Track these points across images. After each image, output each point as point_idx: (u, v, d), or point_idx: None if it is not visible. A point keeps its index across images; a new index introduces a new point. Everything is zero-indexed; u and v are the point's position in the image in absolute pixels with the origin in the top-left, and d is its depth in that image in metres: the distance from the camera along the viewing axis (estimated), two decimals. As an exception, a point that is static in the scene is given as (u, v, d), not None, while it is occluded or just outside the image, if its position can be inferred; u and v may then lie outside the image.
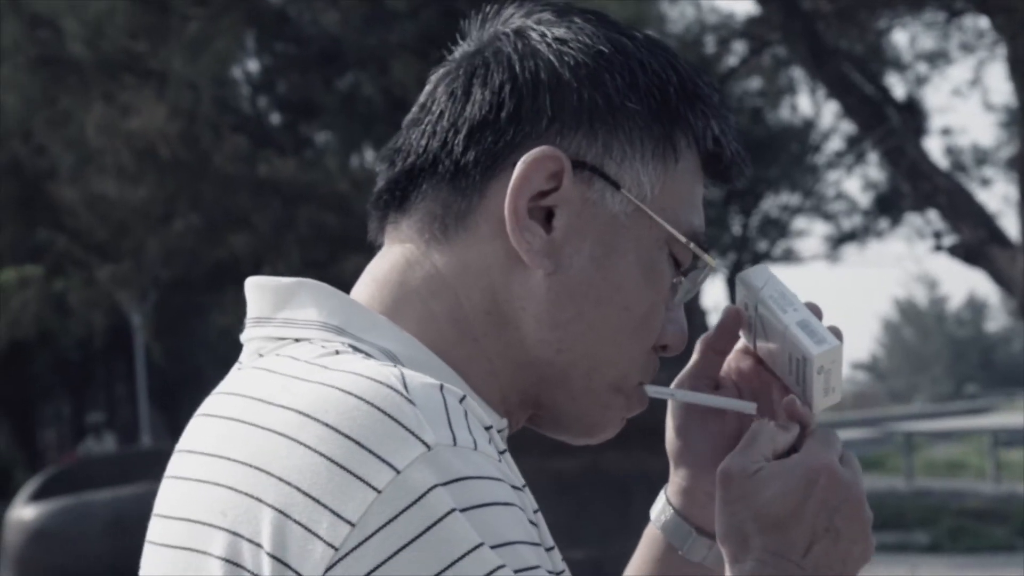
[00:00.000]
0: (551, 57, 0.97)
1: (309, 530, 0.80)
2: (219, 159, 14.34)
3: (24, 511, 13.22)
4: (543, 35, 0.98)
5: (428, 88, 1.01)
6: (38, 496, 13.48)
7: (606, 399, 1.00)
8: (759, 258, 22.38)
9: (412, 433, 0.81)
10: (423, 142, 0.98)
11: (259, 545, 0.81)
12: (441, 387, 0.85)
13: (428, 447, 0.80)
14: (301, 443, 0.82)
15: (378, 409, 0.81)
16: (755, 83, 20.10)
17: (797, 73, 18.84)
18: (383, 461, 0.80)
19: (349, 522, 0.79)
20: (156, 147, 13.82)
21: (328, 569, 0.79)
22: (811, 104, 24.97)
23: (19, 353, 20.94)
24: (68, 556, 11.14)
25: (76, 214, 15.79)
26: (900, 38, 40.94)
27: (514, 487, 0.85)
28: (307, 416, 0.83)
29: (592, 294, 0.96)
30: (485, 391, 0.96)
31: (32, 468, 19.74)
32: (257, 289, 0.98)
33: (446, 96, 0.98)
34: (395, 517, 0.79)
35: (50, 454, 27.94)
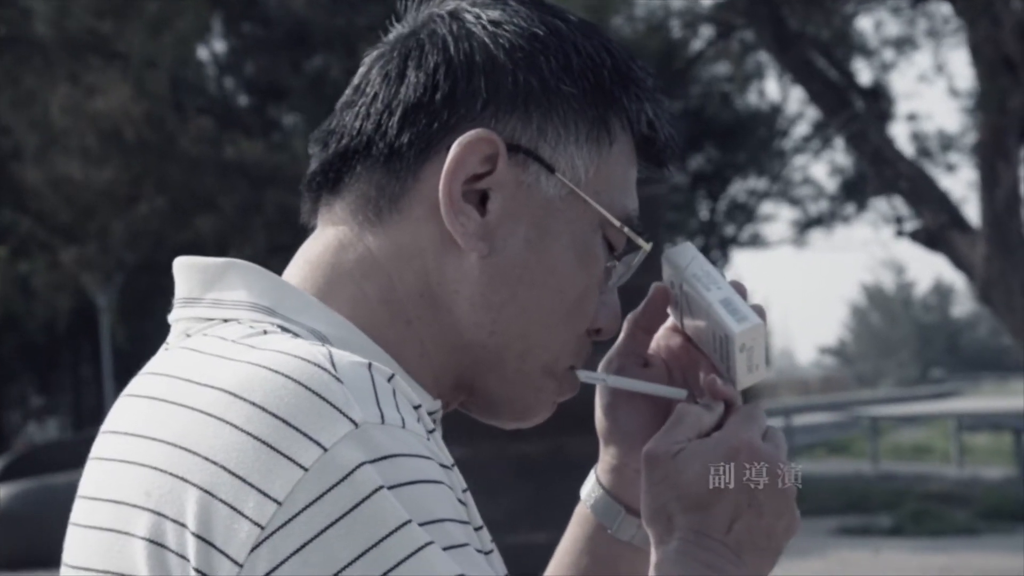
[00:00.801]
0: (486, 39, 0.96)
1: (235, 509, 0.79)
2: (185, 141, 14.27)
3: (-12, 494, 13.16)
4: (478, 17, 0.97)
5: (362, 70, 1.00)
6: (2, 478, 13.42)
7: (538, 382, 0.99)
8: (726, 243, 22.48)
9: (339, 411, 0.80)
10: (357, 124, 0.97)
11: (183, 525, 0.80)
12: (369, 366, 0.84)
13: (355, 424, 0.80)
14: (227, 422, 0.81)
15: (305, 387, 0.81)
16: (722, 68, 20.14)
17: (764, 58, 18.89)
18: (310, 439, 0.79)
19: (276, 500, 0.78)
20: (121, 128, 13.74)
21: (254, 548, 0.78)
22: (778, 89, 25.06)
23: (-17, 335, 20.79)
24: (31, 538, 11.10)
25: (41, 196, 15.68)
26: (866, 24, 40.93)
27: (443, 466, 0.85)
28: (234, 395, 0.82)
29: (526, 277, 0.96)
30: (418, 373, 0.95)
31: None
32: (186, 269, 0.97)
33: (380, 78, 0.97)
34: (322, 495, 0.78)
35: (15, 437, 27.77)
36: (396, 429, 0.81)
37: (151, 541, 0.81)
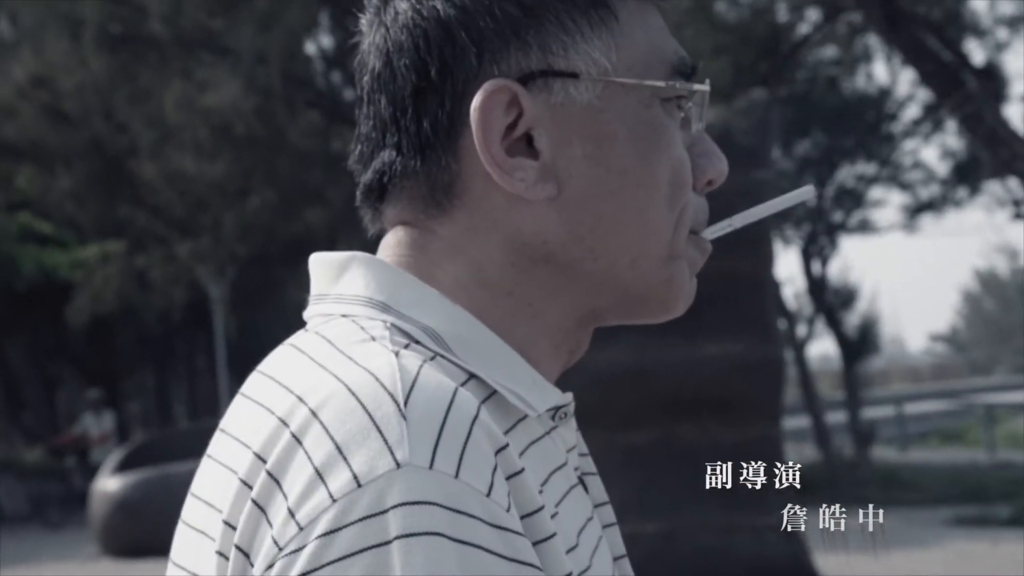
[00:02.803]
0: None
1: (270, 524, 0.79)
2: (294, 135, 14.47)
3: (108, 482, 13.51)
4: None
5: (358, 76, 0.98)
6: (122, 468, 13.77)
7: (662, 274, 0.95)
8: (835, 229, 22.14)
9: (389, 448, 0.77)
10: (377, 135, 0.95)
11: (235, 529, 0.81)
12: (453, 396, 0.81)
13: (398, 465, 0.77)
14: (295, 438, 0.80)
15: (370, 417, 0.79)
16: (829, 51, 19.82)
17: (872, 40, 18.54)
18: (350, 471, 0.77)
19: (299, 525, 0.77)
20: (232, 123, 13.98)
21: (268, 567, 0.78)
22: (887, 72, 24.57)
23: (103, 328, 21.34)
24: (150, 526, 11.37)
25: (156, 190, 16.03)
26: (979, 3, 39.99)
27: (501, 529, 0.78)
28: (309, 409, 0.81)
29: (603, 190, 0.91)
30: (534, 347, 0.93)
31: (117, 440, 20.13)
32: (317, 265, 0.96)
33: (376, 81, 0.94)
34: (337, 530, 0.76)
35: (135, 427, 28.46)
36: (444, 477, 0.77)
37: (220, 554, 0.82)
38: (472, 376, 0.88)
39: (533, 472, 0.87)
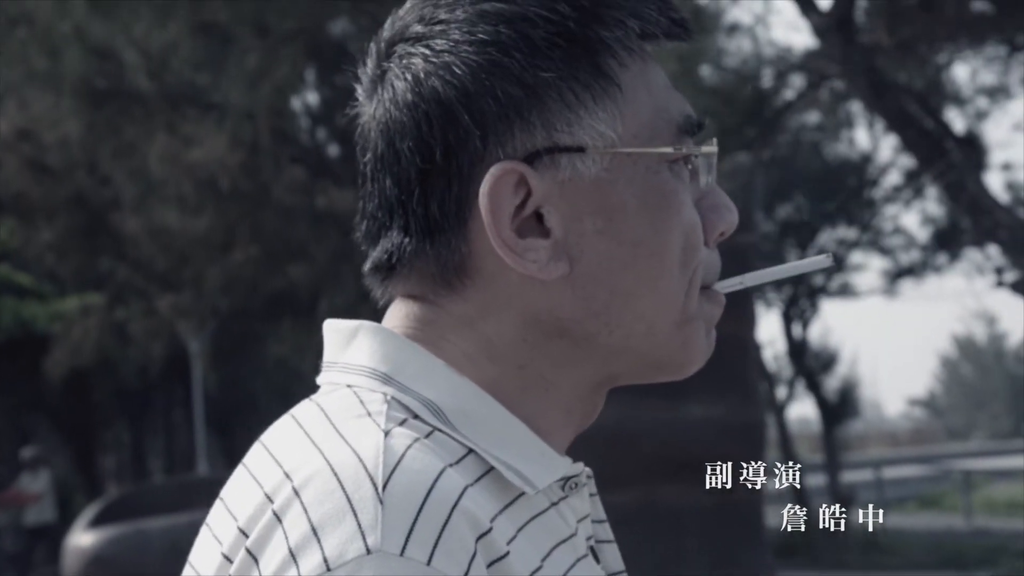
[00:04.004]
0: (444, 75, 0.89)
1: None
2: (278, 190, 14.50)
3: (83, 538, 13.36)
4: (426, 56, 0.90)
5: (360, 151, 0.96)
6: (97, 523, 13.62)
7: (679, 337, 0.93)
8: (815, 292, 22.22)
9: (362, 532, 0.77)
10: (383, 215, 0.93)
11: None
12: (436, 480, 0.80)
13: (368, 551, 0.77)
14: (276, 516, 0.81)
15: (348, 499, 0.79)
16: (813, 117, 20.00)
17: (855, 107, 18.73)
18: (322, 554, 0.77)
19: None
20: (217, 178, 14.00)
21: None
22: (869, 138, 24.84)
23: (81, 381, 21.20)
24: (125, 582, 11.24)
25: (138, 244, 16.01)
26: (960, 72, 40.53)
27: None
28: (294, 489, 0.81)
29: (616, 264, 0.90)
30: (545, 417, 0.92)
31: (91, 495, 19.93)
32: (329, 332, 0.96)
33: (379, 161, 0.92)
34: None
35: (110, 481, 28.22)
36: (415, 564, 0.77)
37: None
38: (470, 451, 0.87)
39: (533, 548, 0.87)
